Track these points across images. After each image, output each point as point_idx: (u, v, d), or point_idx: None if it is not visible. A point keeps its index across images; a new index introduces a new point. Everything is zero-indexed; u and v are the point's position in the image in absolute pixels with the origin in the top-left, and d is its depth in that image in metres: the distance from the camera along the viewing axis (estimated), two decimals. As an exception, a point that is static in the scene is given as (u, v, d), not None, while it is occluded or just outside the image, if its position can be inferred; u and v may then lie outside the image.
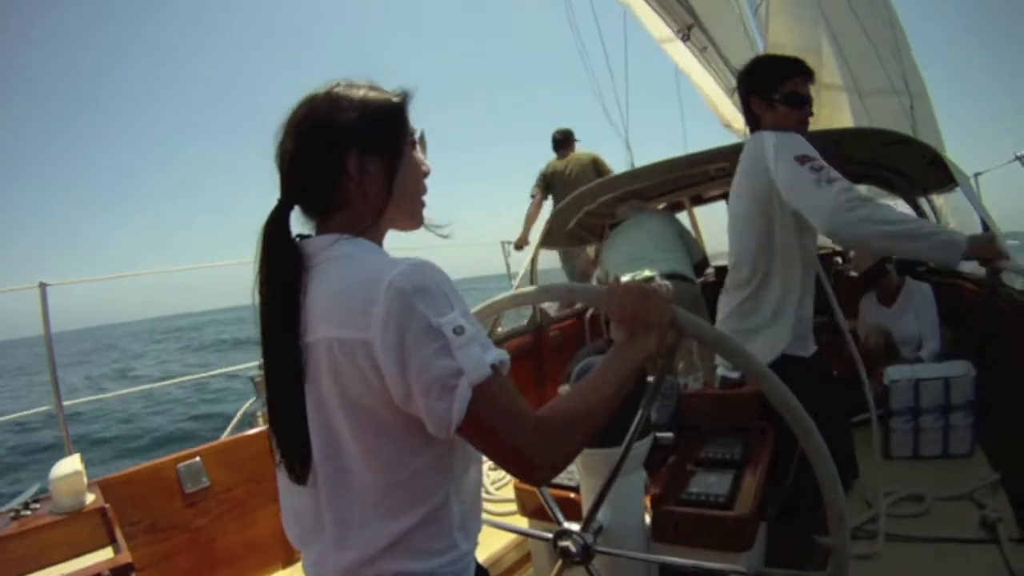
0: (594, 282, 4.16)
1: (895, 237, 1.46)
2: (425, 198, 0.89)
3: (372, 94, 0.83)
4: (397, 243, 0.89)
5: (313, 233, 0.84)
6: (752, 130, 1.82)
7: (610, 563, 1.15)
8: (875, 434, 2.03)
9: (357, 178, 0.80)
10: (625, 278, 2.81)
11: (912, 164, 2.62)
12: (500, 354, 0.74)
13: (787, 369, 1.44)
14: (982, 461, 2.20)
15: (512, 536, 1.85)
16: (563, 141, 4.60)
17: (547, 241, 3.39)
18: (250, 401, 2.54)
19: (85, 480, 1.73)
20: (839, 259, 3.68)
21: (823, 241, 2.63)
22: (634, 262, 2.79)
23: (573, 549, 1.08)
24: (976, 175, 3.25)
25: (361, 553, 0.76)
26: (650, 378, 1.08)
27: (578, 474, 1.33)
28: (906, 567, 1.66)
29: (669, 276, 2.66)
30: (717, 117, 4.62)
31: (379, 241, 0.86)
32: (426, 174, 0.88)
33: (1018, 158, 2.89)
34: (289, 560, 2.07)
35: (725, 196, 3.76)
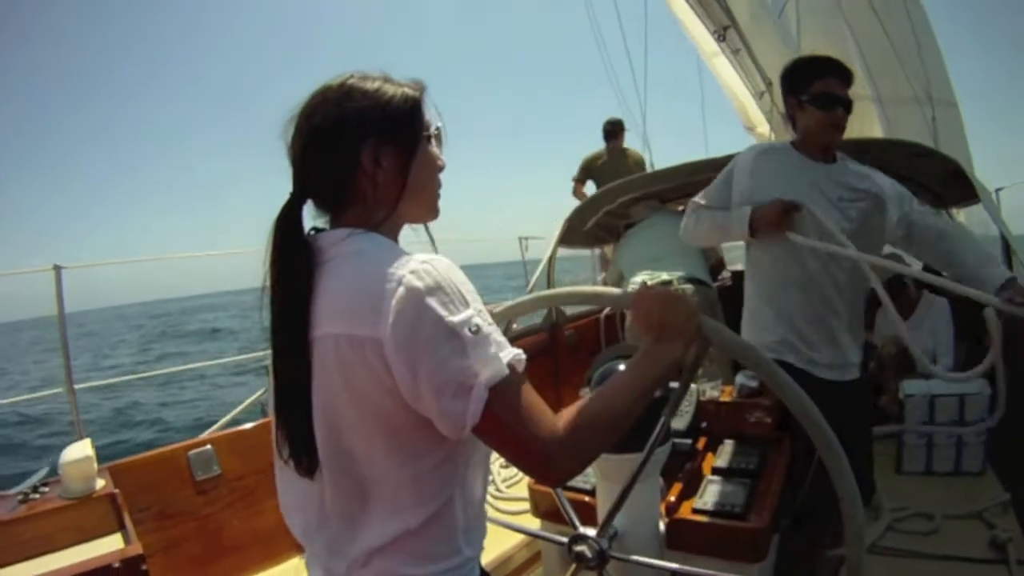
0: (599, 281, 4.15)
1: (697, 234, 1.90)
2: (440, 192, 0.87)
3: (387, 86, 0.81)
4: (411, 235, 0.88)
5: (327, 226, 0.83)
6: (795, 132, 1.79)
7: (624, 569, 1.14)
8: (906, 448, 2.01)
9: (371, 172, 0.78)
10: (639, 279, 2.78)
11: (935, 177, 2.59)
12: (516, 353, 0.73)
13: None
14: (993, 480, 2.18)
15: (522, 535, 1.84)
16: (612, 131, 4.58)
17: (565, 240, 3.37)
18: (262, 390, 2.53)
19: (95, 465, 1.72)
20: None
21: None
22: (651, 264, 2.78)
23: (588, 554, 1.08)
24: (997, 190, 3.22)
25: (361, 550, 0.75)
26: (673, 384, 1.07)
27: (594, 477, 1.32)
28: None
29: (687, 280, 2.65)
30: (741, 119, 4.60)
31: (394, 236, 0.84)
32: (441, 169, 0.86)
33: None
34: (297, 551, 2.05)
35: None
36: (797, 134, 1.77)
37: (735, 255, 3.39)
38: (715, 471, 1.49)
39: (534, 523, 1.57)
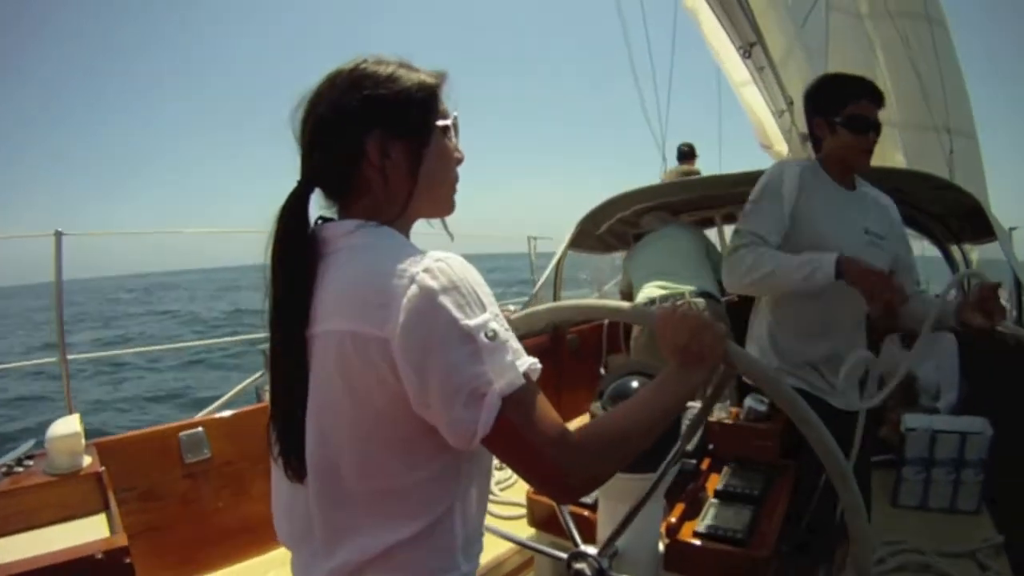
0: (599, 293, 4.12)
1: (761, 283, 1.53)
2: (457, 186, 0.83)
3: (401, 72, 0.76)
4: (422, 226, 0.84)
5: (336, 216, 0.79)
6: (817, 153, 1.69)
7: None
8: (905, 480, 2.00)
9: (378, 164, 0.74)
10: (649, 290, 2.75)
11: (953, 212, 2.57)
12: (532, 362, 0.69)
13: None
14: (987, 521, 2.17)
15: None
16: (687, 153, 4.94)
17: (575, 243, 3.34)
18: (258, 374, 2.49)
19: (83, 441, 1.67)
20: None
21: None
22: (663, 276, 2.75)
23: (588, 572, 1.05)
24: (1011, 229, 3.20)
25: (350, 562, 0.71)
26: (693, 403, 1.05)
27: (596, 492, 1.29)
28: None
29: (698, 294, 2.63)
30: (757, 136, 4.61)
31: (406, 231, 0.80)
32: (459, 162, 0.82)
33: None
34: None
35: None
36: (821, 155, 1.68)
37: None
38: (718, 494, 1.46)
39: (528, 531, 1.54)
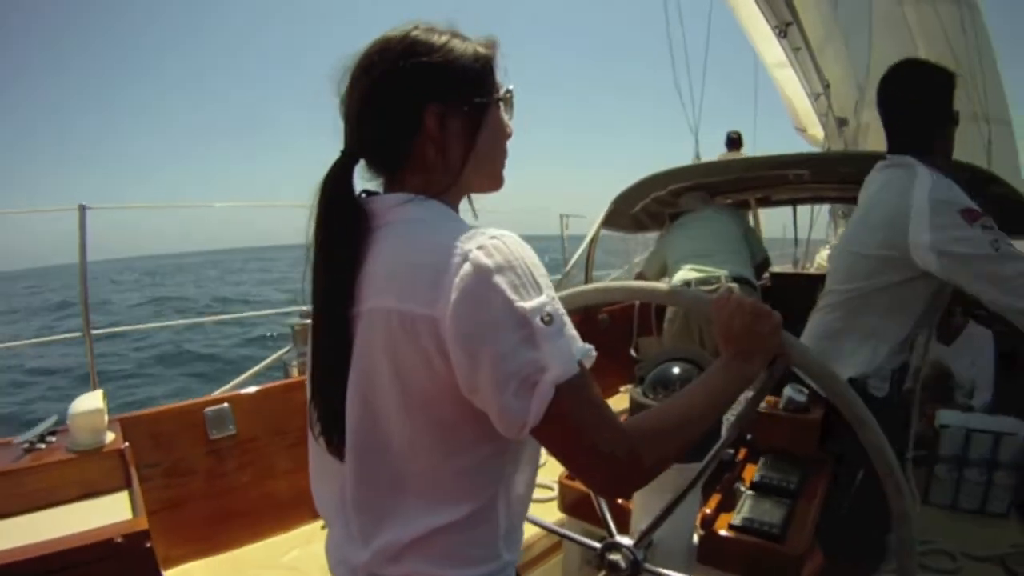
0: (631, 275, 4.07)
1: None
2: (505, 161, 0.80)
3: (455, 42, 0.72)
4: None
5: (380, 190, 0.75)
6: (893, 149, 1.52)
7: None
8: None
9: (436, 136, 0.71)
10: (681, 275, 2.71)
11: (989, 205, 2.48)
12: (588, 349, 0.65)
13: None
14: (1016, 525, 2.12)
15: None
16: (735, 140, 5.15)
17: (609, 222, 3.29)
18: (285, 349, 2.47)
19: (106, 418, 1.66)
20: None
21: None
22: (698, 258, 2.71)
23: (622, 564, 1.03)
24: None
25: (388, 545, 0.69)
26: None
27: None
28: None
29: (734, 279, 2.59)
30: (792, 120, 4.54)
31: (455, 206, 0.77)
32: (509, 136, 0.79)
33: None
34: (309, 519, 1.99)
35: (793, 201, 3.74)
36: (935, 158, 1.47)
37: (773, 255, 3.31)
38: (754, 486, 1.42)
39: (557, 515, 1.52)
